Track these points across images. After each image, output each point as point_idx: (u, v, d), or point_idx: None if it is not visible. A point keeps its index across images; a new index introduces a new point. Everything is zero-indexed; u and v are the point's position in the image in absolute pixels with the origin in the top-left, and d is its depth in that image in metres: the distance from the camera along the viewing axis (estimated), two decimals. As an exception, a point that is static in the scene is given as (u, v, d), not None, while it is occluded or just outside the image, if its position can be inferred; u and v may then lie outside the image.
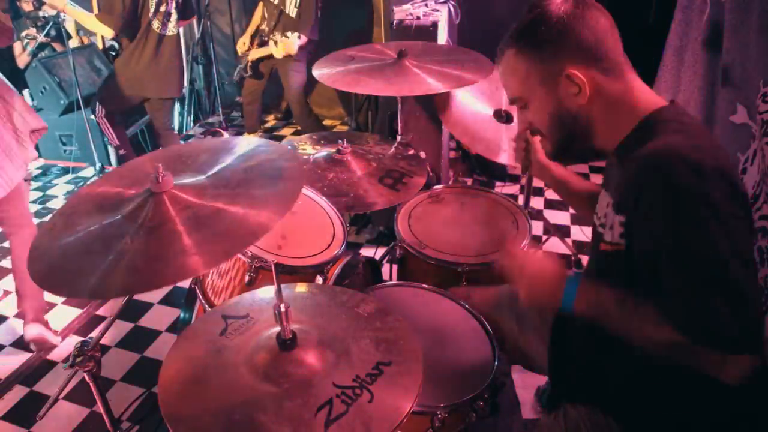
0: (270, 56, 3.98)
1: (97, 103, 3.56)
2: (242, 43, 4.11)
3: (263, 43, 4.04)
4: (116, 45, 3.98)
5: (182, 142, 4.83)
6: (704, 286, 0.93)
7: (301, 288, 1.34)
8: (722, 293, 0.91)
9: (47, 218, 1.31)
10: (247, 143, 1.42)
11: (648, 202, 0.98)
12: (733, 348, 0.93)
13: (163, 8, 3.29)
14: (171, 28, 3.39)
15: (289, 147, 1.77)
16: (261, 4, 4.01)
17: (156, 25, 3.30)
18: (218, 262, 1.36)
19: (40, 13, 4.03)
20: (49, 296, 2.84)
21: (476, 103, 2.32)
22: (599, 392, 1.22)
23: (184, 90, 5.00)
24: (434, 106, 2.32)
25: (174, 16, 3.38)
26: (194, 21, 4.75)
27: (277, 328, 1.09)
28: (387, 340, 1.16)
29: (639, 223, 1.02)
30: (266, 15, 3.97)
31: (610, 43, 1.10)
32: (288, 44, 3.70)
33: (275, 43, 3.77)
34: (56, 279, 1.07)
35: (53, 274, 1.08)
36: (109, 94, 3.55)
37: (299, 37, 3.74)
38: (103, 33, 3.29)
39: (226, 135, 1.85)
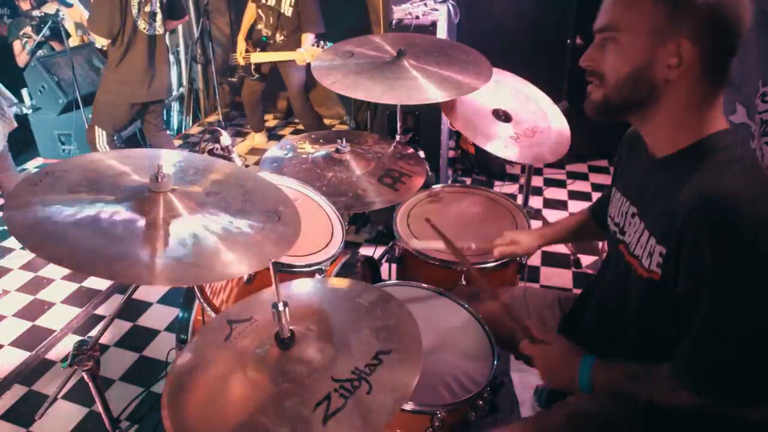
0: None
1: (95, 129, 3.43)
2: (241, 52, 4.09)
3: (262, 45, 4.04)
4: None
5: (181, 142, 4.84)
6: (738, 348, 0.95)
7: (302, 283, 1.34)
8: (754, 358, 0.94)
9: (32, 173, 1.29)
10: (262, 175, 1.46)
11: (697, 252, 0.94)
12: (758, 402, 0.96)
13: (147, 8, 3.21)
14: (158, 28, 3.32)
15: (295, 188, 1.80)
16: (250, 3, 4.00)
17: (142, 25, 3.23)
18: (182, 283, 1.37)
19: (35, 12, 4.02)
20: (49, 296, 2.85)
21: (478, 98, 2.30)
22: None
23: (182, 89, 5.01)
24: (433, 106, 2.31)
25: (159, 15, 3.30)
26: (193, 21, 4.76)
27: (277, 328, 1.09)
28: (388, 327, 1.15)
29: (684, 265, 0.98)
30: (261, 15, 3.96)
31: (732, 48, 1.00)
32: (314, 52, 3.68)
33: (278, 40, 3.81)
34: (37, 237, 1.06)
35: (34, 230, 1.07)
36: (104, 110, 3.43)
37: (316, 42, 3.78)
38: (98, 42, 3.30)
39: (224, 134, 1.85)
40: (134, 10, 3.16)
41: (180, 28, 4.71)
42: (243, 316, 1.23)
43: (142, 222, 1.13)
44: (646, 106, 1.05)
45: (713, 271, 0.93)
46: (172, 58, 4.57)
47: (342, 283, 1.35)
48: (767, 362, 0.94)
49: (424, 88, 1.89)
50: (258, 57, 4.03)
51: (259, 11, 3.96)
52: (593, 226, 1.56)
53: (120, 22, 3.14)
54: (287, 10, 3.81)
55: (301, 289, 1.31)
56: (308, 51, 3.74)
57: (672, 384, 1.03)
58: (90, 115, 3.66)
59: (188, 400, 1.06)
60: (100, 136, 3.45)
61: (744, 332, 0.94)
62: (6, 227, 3.33)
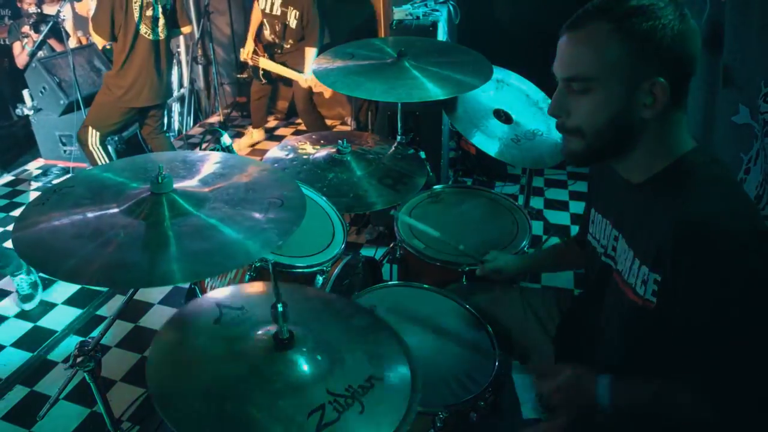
0: (283, 62, 4.03)
1: (89, 128, 3.42)
2: (248, 52, 4.10)
3: (271, 50, 4.09)
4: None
5: (182, 142, 4.84)
6: (749, 361, 0.95)
7: (298, 291, 1.34)
8: (754, 376, 0.94)
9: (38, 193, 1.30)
10: (256, 164, 1.45)
11: (692, 279, 0.96)
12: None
13: (149, 13, 3.23)
14: (160, 33, 3.33)
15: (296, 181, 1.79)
16: (256, 5, 4.01)
17: (144, 30, 3.24)
18: (199, 277, 1.40)
19: (30, 10, 4.02)
20: (48, 296, 2.84)
21: (480, 97, 2.30)
22: None
23: (183, 90, 5.01)
24: (433, 106, 2.31)
25: (162, 21, 3.31)
26: (194, 21, 4.76)
27: (274, 327, 1.09)
28: (380, 356, 1.15)
29: (684, 294, 0.98)
30: (266, 24, 3.99)
31: (694, 71, 1.01)
32: (315, 81, 3.75)
33: (285, 48, 3.92)
34: (39, 254, 1.07)
35: (38, 248, 1.08)
36: (101, 112, 3.43)
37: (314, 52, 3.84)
38: (97, 42, 3.33)
39: (225, 135, 1.85)
40: (136, 15, 3.17)
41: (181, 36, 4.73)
42: (234, 304, 1.22)
43: (148, 225, 1.14)
44: (628, 147, 1.06)
45: (716, 296, 0.94)
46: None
47: (337, 299, 1.35)
48: None
49: (424, 86, 1.89)
50: (265, 64, 4.06)
51: (265, 20, 3.99)
52: (577, 253, 1.57)
53: (121, 24, 3.16)
54: (292, 21, 3.85)
55: (297, 296, 1.31)
56: (312, 79, 3.83)
57: (695, 402, 1.01)
58: (74, 147, 3.67)
59: (174, 373, 1.06)
60: (93, 136, 3.45)
61: (760, 347, 0.94)
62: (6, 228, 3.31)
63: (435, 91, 1.87)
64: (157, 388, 1.01)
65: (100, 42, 3.26)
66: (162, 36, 3.36)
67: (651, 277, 1.03)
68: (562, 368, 1.19)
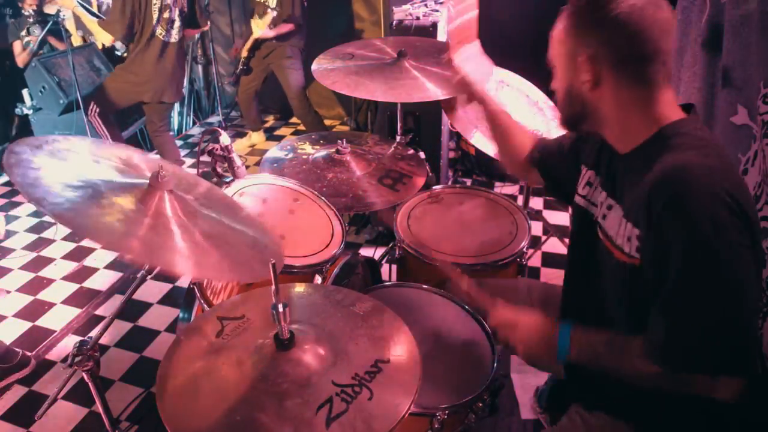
0: (266, 55, 4.05)
1: (92, 102, 3.58)
2: (234, 49, 4.19)
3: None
4: (117, 47, 3.99)
5: (181, 142, 4.84)
6: (701, 314, 0.97)
7: (296, 288, 1.34)
8: (718, 323, 0.96)
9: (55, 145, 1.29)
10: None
11: (659, 225, 0.99)
12: (722, 372, 0.97)
13: (166, 15, 3.33)
14: (174, 35, 3.44)
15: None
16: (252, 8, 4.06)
17: (160, 31, 3.35)
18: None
19: (25, 12, 4.02)
20: (49, 296, 2.84)
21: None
22: (610, 392, 1.22)
23: (183, 90, 5.01)
24: (433, 105, 2.32)
25: (177, 23, 3.42)
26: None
27: (275, 328, 1.09)
28: (384, 338, 1.16)
29: (650, 243, 1.02)
30: (257, 15, 4.01)
31: (651, 54, 1.06)
32: (260, 23, 3.87)
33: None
34: (37, 192, 1.04)
35: (35, 187, 1.05)
36: (105, 95, 3.57)
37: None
38: (103, 40, 3.38)
39: (224, 135, 1.85)
40: (155, 16, 3.25)
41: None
42: (234, 314, 1.23)
43: (150, 210, 1.15)
44: (589, 116, 1.16)
45: (675, 240, 0.96)
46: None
47: (336, 290, 1.34)
48: (733, 331, 0.96)
49: (424, 86, 1.89)
50: (244, 46, 4.10)
51: (255, 10, 4.03)
52: (524, 155, 1.53)
53: (133, 26, 3.24)
54: (271, 1, 3.91)
55: (296, 293, 1.31)
56: (263, 22, 3.90)
57: (644, 353, 1.04)
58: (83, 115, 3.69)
59: (181, 397, 1.05)
60: (93, 109, 3.57)
61: (708, 300, 0.96)
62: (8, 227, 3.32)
63: (435, 91, 1.87)
64: (171, 417, 1.00)
65: (107, 39, 3.32)
66: (176, 38, 3.45)
67: (633, 232, 1.07)
68: (526, 308, 1.27)
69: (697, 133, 1.06)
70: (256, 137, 4.65)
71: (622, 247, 1.11)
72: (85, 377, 1.33)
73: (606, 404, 1.25)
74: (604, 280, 1.22)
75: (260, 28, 3.92)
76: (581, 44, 1.09)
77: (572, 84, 1.14)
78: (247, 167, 3.34)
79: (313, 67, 2.06)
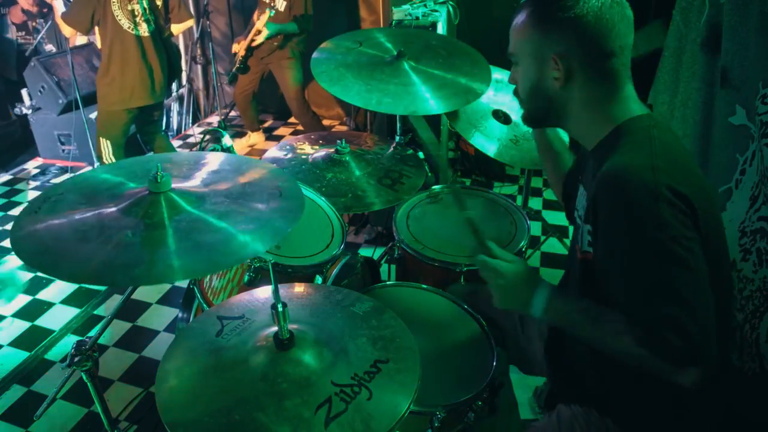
0: (265, 56, 4.03)
1: (102, 140, 3.35)
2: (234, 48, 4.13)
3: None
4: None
5: (181, 142, 4.84)
6: (646, 305, 0.97)
7: (296, 288, 1.34)
8: (666, 313, 0.94)
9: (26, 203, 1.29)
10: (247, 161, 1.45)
11: (604, 219, 1.03)
12: (680, 362, 0.96)
13: (129, 7, 3.08)
14: (145, 28, 3.18)
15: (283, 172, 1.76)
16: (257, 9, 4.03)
17: (127, 25, 3.10)
18: (202, 273, 1.45)
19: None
20: (47, 296, 2.84)
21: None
22: (594, 390, 1.22)
23: (182, 90, 5.00)
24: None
25: (146, 16, 3.16)
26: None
27: (274, 328, 1.09)
28: (383, 338, 1.16)
29: (598, 237, 1.06)
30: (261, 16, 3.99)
31: (614, 51, 1.10)
32: (262, 26, 3.81)
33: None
34: (48, 260, 1.06)
35: (45, 254, 1.07)
36: (107, 121, 3.36)
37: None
38: (65, 33, 3.18)
39: (226, 135, 1.85)
40: (114, 7, 3.04)
41: (182, 31, 4.70)
42: (234, 314, 1.23)
43: (148, 224, 1.13)
44: (553, 112, 1.19)
45: (618, 234, 1.00)
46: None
47: (336, 290, 1.35)
48: (687, 318, 0.93)
49: (425, 99, 1.89)
50: (241, 47, 4.05)
51: (258, 10, 3.98)
52: (561, 177, 1.52)
53: (99, 18, 3.06)
54: (280, 4, 3.87)
55: (296, 293, 1.31)
56: (261, 21, 3.83)
57: (619, 328, 1.01)
58: (90, 116, 3.66)
59: (180, 397, 1.05)
60: (106, 148, 3.39)
61: (654, 288, 0.97)
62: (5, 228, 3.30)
63: (437, 105, 1.88)
64: (170, 417, 1.00)
65: (70, 32, 3.12)
66: (146, 32, 3.19)
67: (586, 228, 1.11)
68: (519, 258, 1.24)
69: (649, 130, 1.08)
70: (255, 137, 4.65)
71: (583, 242, 1.14)
72: (84, 377, 1.33)
73: (589, 400, 1.24)
74: (572, 278, 1.24)
75: (268, 28, 3.85)
76: (550, 42, 1.11)
77: (539, 80, 1.16)
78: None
79: (313, 58, 2.04)
